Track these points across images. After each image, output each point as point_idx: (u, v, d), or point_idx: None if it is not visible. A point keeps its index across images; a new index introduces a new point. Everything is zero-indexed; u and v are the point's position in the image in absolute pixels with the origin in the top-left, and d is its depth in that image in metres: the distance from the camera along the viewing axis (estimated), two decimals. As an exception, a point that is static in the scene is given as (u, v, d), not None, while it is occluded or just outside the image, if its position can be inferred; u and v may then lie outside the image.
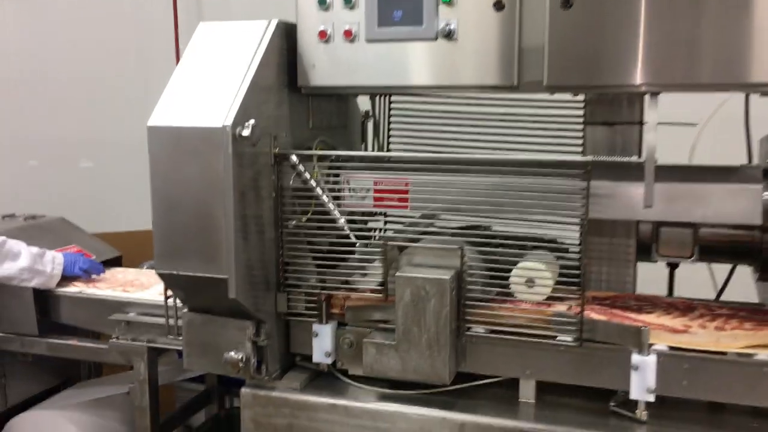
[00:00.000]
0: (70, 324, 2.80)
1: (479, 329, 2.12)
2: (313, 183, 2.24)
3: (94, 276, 2.94)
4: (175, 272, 2.13)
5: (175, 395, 3.27)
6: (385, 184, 2.27)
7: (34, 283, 2.73)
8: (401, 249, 2.17)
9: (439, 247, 2.11)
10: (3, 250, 2.68)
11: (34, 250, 2.77)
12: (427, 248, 2.12)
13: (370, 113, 2.74)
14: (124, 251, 3.28)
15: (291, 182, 2.24)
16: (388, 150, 2.73)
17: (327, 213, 2.25)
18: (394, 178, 2.25)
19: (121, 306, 2.69)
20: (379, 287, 2.19)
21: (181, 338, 2.37)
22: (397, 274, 2.07)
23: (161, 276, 2.18)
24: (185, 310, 2.27)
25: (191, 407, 3.08)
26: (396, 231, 2.34)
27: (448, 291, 2.01)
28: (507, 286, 2.13)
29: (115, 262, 3.20)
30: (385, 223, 2.66)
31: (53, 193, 4.18)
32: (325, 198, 2.24)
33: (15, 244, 2.73)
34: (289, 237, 2.24)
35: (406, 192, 2.24)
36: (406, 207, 2.26)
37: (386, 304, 2.16)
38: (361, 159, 2.38)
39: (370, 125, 2.78)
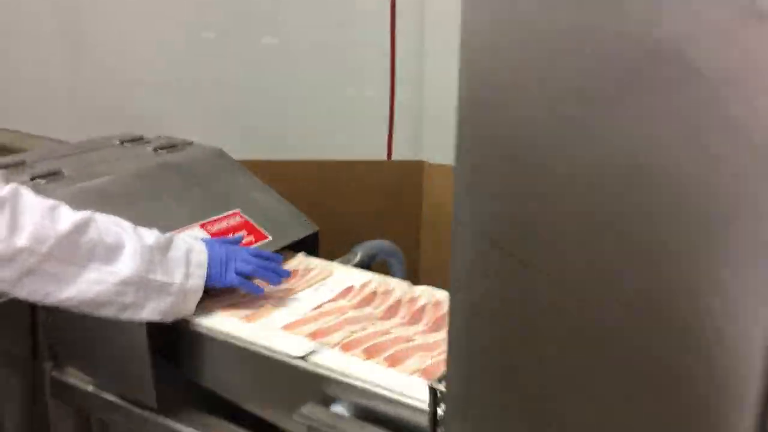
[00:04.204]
0: (221, 394, 1.37)
1: None
2: None
3: (269, 286, 1.46)
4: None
5: None
6: None
7: (147, 312, 1.26)
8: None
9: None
10: (83, 240, 1.20)
11: (150, 239, 1.28)
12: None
13: None
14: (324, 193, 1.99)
15: None
16: None
17: None
18: None
19: (321, 383, 1.21)
20: None
21: None
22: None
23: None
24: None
25: None
26: None
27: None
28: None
29: (308, 245, 1.67)
30: None
31: (228, 73, 2.79)
32: None
33: (110, 227, 1.24)
34: None
35: None
36: None
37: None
38: None
39: None
